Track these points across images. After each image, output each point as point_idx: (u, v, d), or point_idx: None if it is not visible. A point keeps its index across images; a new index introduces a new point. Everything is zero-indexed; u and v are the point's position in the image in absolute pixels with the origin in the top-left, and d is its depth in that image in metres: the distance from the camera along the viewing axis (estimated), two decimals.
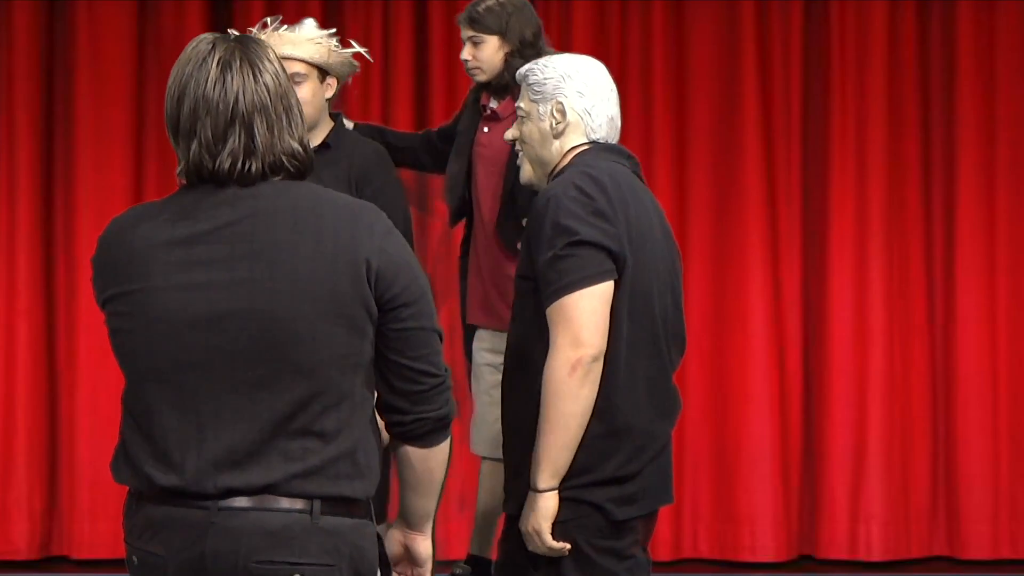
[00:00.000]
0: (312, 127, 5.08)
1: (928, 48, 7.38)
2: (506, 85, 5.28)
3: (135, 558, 2.93)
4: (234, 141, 2.88)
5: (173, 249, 2.88)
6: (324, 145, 5.10)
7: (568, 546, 3.54)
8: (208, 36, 2.97)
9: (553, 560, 3.56)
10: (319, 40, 5.04)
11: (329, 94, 5.11)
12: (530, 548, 3.56)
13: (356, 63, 5.17)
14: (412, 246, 5.18)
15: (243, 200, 2.89)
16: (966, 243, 7.29)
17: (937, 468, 7.31)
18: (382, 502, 5.28)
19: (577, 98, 3.67)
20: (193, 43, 2.96)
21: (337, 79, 5.12)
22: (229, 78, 2.89)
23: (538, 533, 3.53)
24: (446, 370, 2.99)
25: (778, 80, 7.34)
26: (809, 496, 7.32)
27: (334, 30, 5.17)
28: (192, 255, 2.87)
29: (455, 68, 7.35)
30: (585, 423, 3.51)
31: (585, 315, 3.47)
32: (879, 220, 7.30)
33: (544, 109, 3.70)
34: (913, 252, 7.33)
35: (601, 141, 3.70)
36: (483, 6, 5.28)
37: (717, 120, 7.34)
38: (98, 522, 7.10)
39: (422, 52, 7.38)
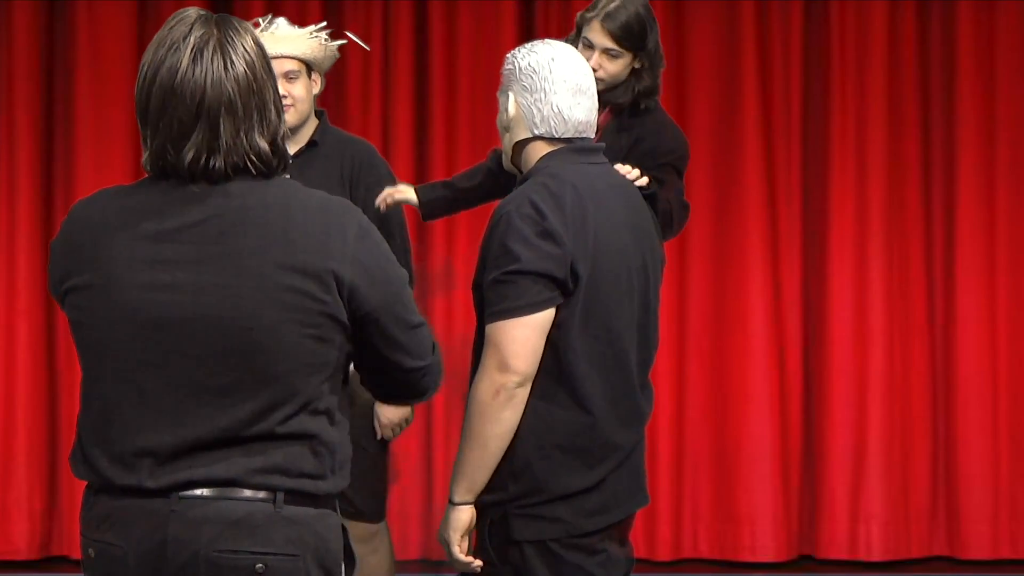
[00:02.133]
0: (304, 123, 5.08)
1: (928, 48, 7.38)
2: (608, 99, 4.77)
3: (91, 551, 2.87)
4: (198, 135, 2.80)
5: (139, 244, 2.82)
6: (311, 143, 5.10)
7: (478, 563, 3.59)
8: (190, 15, 2.86)
9: (524, 556, 3.56)
10: (311, 36, 5.04)
11: (316, 90, 5.11)
12: (449, 558, 3.61)
13: (338, 54, 5.16)
14: (408, 243, 5.19)
15: (213, 198, 2.82)
16: (966, 243, 7.29)
17: (937, 468, 7.31)
18: (380, 501, 5.28)
19: (521, 92, 3.63)
20: (173, 20, 2.86)
21: (320, 74, 5.12)
22: (199, 68, 2.79)
23: (447, 544, 3.59)
24: (434, 348, 2.98)
25: (778, 80, 7.34)
26: (809, 496, 7.32)
27: (324, 24, 5.16)
28: (159, 253, 2.81)
29: (455, 68, 7.35)
30: (506, 444, 3.55)
31: (515, 343, 3.48)
32: (879, 220, 7.30)
33: (503, 101, 3.70)
34: (913, 252, 7.33)
35: (556, 137, 3.62)
36: (624, 16, 4.69)
37: (717, 120, 7.34)
38: None
39: (422, 52, 7.38)
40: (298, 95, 5.03)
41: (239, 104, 2.81)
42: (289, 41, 5.00)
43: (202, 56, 2.80)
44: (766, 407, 7.24)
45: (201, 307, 2.79)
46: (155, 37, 2.86)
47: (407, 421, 5.20)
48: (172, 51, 2.82)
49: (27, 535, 7.21)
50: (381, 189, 5.07)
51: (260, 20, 5.08)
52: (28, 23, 7.29)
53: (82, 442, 2.90)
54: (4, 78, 7.29)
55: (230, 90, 2.80)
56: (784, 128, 7.35)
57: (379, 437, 5.18)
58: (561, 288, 3.50)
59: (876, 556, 7.22)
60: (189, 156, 2.81)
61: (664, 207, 4.57)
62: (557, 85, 3.62)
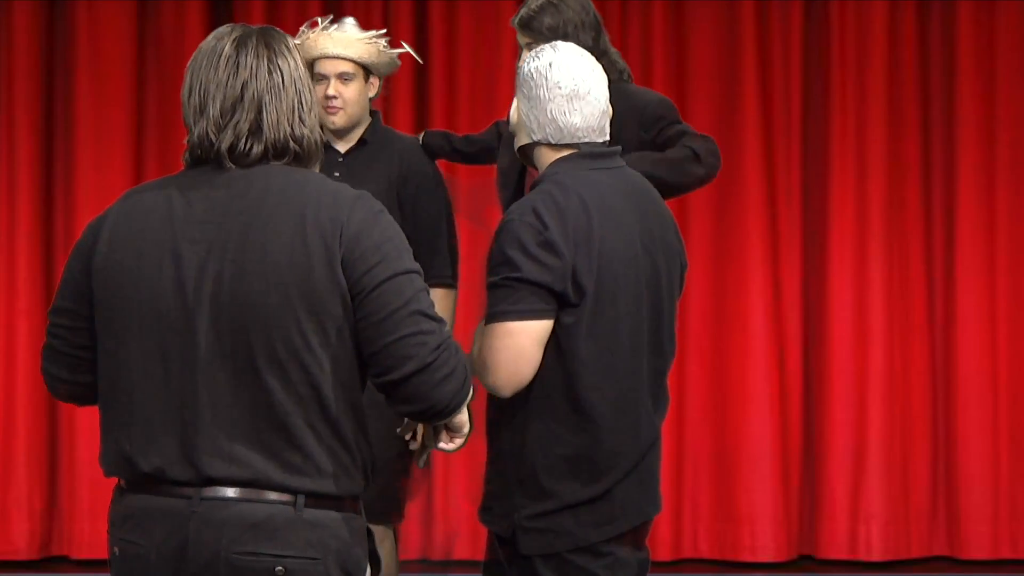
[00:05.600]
0: (356, 125, 5.12)
1: (928, 48, 7.38)
2: None
3: (116, 549, 2.89)
4: (240, 117, 2.87)
5: (167, 231, 2.86)
6: (362, 142, 5.14)
7: None
8: (231, 24, 2.97)
9: (527, 559, 3.56)
10: (369, 40, 5.08)
11: (372, 93, 5.16)
12: None
13: (398, 61, 5.19)
14: (455, 235, 5.22)
15: (237, 181, 2.87)
16: (966, 243, 7.29)
17: (937, 468, 7.31)
18: (390, 503, 5.25)
19: (523, 98, 3.65)
20: (216, 30, 2.97)
21: (379, 78, 5.16)
22: (244, 56, 2.89)
23: None
24: (440, 350, 2.89)
25: (778, 80, 7.34)
26: (809, 496, 7.32)
27: (384, 31, 5.20)
28: (186, 234, 2.85)
29: (455, 68, 7.36)
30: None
31: (510, 353, 3.48)
32: (879, 220, 7.30)
33: (512, 105, 3.73)
34: (913, 252, 7.33)
35: (553, 143, 3.63)
36: (536, 4, 4.79)
37: (717, 120, 7.34)
38: (98, 522, 7.10)
39: (422, 52, 7.37)
40: (349, 97, 5.09)
41: (282, 91, 2.89)
42: (346, 43, 5.05)
43: (246, 46, 2.91)
44: (766, 407, 7.25)
45: (222, 294, 2.82)
46: (199, 46, 2.95)
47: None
48: (215, 45, 2.91)
49: (27, 535, 7.20)
50: (429, 186, 5.10)
51: (319, 19, 5.11)
52: (28, 23, 7.29)
53: (105, 432, 2.91)
54: (4, 78, 7.29)
55: (275, 78, 2.89)
56: (784, 128, 7.35)
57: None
58: (559, 300, 3.51)
59: (876, 556, 7.22)
60: (230, 139, 2.87)
61: (682, 153, 4.58)
62: (552, 92, 3.62)
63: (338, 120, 5.10)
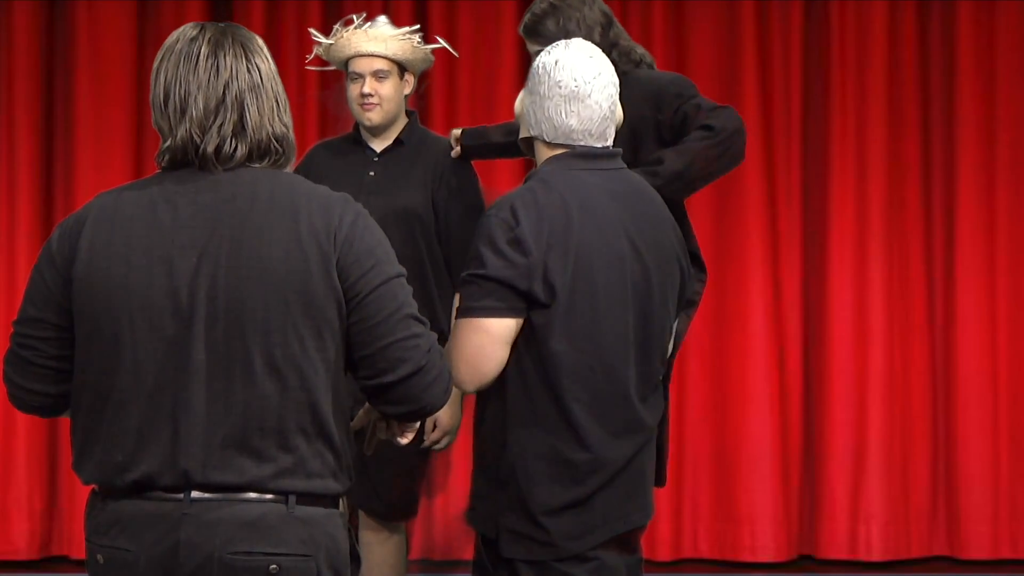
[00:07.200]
0: (392, 123, 5.10)
1: (928, 48, 7.39)
2: None
3: (100, 556, 2.86)
4: (223, 119, 2.86)
5: (155, 238, 2.84)
6: (398, 142, 5.12)
7: None
8: (193, 23, 2.95)
9: (510, 561, 3.55)
10: (403, 37, 5.07)
11: (407, 90, 5.13)
12: None
13: (432, 57, 5.18)
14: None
15: (223, 185, 2.86)
16: (966, 243, 7.29)
17: (937, 468, 7.31)
18: (401, 503, 5.23)
19: (528, 92, 3.68)
20: (178, 30, 2.95)
21: (414, 75, 5.14)
22: (222, 57, 2.88)
23: None
24: (429, 352, 2.95)
25: (778, 80, 7.34)
26: (809, 496, 7.32)
27: (417, 26, 5.18)
28: (175, 241, 2.83)
29: (455, 68, 7.36)
30: None
31: (469, 348, 3.47)
32: (879, 220, 7.30)
33: (519, 95, 3.76)
34: (913, 252, 7.33)
35: (547, 141, 3.64)
36: (539, 8, 4.75)
37: None
38: None
39: None
40: (385, 94, 5.06)
41: (261, 89, 2.89)
42: (380, 40, 5.04)
43: (223, 46, 2.89)
44: (766, 407, 7.25)
45: (213, 297, 2.80)
46: (163, 46, 2.93)
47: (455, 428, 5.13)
48: (190, 46, 2.90)
49: (27, 535, 7.20)
50: (464, 191, 5.06)
51: (355, 17, 5.10)
52: (28, 23, 7.29)
53: (88, 441, 2.88)
54: (4, 78, 7.29)
55: (254, 76, 2.89)
56: (784, 128, 7.35)
57: (435, 446, 5.09)
58: (525, 299, 3.49)
59: (876, 556, 7.22)
60: (215, 142, 2.85)
61: (698, 139, 4.54)
62: (552, 91, 3.62)
63: (374, 117, 5.07)
